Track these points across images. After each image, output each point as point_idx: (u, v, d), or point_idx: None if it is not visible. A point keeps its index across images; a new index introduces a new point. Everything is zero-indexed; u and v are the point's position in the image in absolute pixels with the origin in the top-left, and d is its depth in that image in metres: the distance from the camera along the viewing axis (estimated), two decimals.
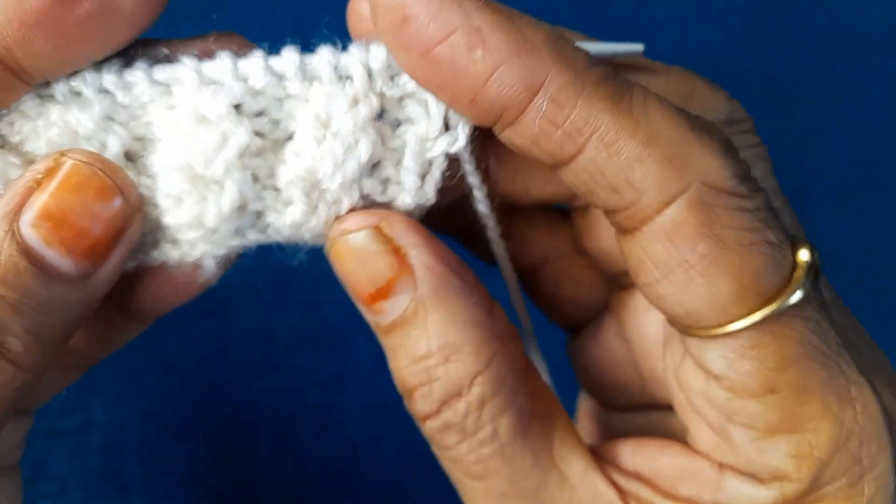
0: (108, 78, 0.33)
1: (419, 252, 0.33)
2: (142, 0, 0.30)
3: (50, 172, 0.31)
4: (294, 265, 0.63)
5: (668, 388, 0.38)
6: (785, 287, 0.31)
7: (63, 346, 0.32)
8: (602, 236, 0.40)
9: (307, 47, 0.62)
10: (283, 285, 0.61)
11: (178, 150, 0.33)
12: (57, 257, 0.30)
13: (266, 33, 0.61)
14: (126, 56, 0.33)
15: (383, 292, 0.33)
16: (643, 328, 0.40)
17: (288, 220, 0.34)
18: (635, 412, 0.43)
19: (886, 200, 0.74)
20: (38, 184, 0.30)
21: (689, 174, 0.30)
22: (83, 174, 0.31)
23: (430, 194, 0.35)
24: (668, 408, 0.40)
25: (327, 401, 0.63)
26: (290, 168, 0.34)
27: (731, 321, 0.31)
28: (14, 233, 0.30)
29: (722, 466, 0.34)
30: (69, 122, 0.33)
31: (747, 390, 0.32)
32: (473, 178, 0.36)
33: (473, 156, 0.35)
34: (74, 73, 0.33)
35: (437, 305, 0.33)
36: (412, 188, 0.35)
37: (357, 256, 0.34)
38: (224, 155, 0.32)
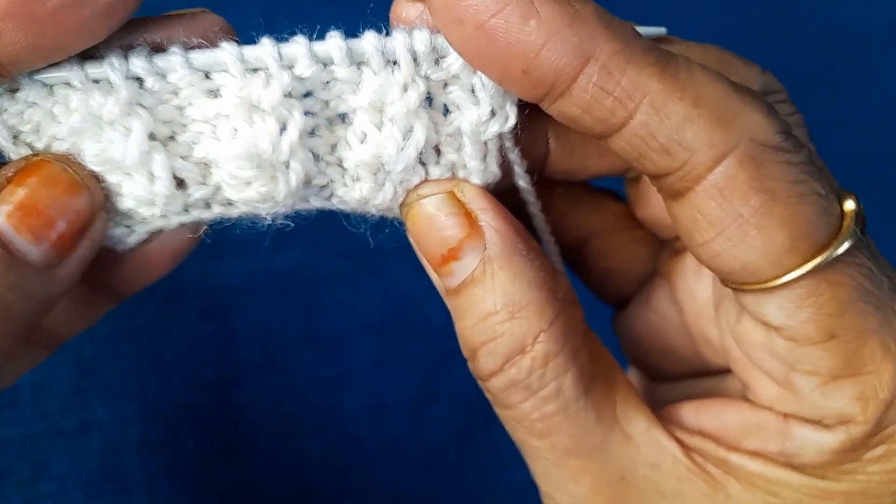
0: (139, 63, 0.33)
1: (489, 216, 0.35)
2: None
3: (21, 170, 0.33)
4: (294, 265, 0.63)
5: (722, 350, 0.40)
6: (836, 236, 0.32)
7: (22, 338, 0.33)
8: (655, 203, 0.42)
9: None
10: (283, 286, 0.61)
11: (236, 138, 0.33)
12: (25, 245, 0.32)
13: (267, 29, 0.61)
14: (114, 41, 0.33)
15: (454, 253, 0.35)
16: (694, 291, 0.42)
17: (356, 194, 0.36)
18: (685, 380, 0.44)
19: (886, 200, 0.74)
20: (8, 180, 0.32)
21: (737, 132, 0.31)
22: (54, 170, 0.33)
23: (496, 171, 0.37)
24: (719, 373, 0.42)
25: (327, 401, 0.64)
26: (356, 153, 0.35)
27: (787, 272, 0.32)
28: None
29: (786, 416, 0.35)
30: (92, 107, 0.33)
31: (808, 338, 0.33)
32: (513, 155, 0.37)
33: (512, 133, 0.37)
34: (95, 60, 0.33)
35: (503, 265, 0.35)
36: (478, 170, 0.36)
37: (431, 219, 0.36)
38: (287, 139, 0.34)
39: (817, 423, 0.34)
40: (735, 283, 0.33)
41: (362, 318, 0.64)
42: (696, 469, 0.35)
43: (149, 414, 0.57)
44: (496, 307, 0.35)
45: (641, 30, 0.37)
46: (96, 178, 0.34)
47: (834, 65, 0.73)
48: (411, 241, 0.37)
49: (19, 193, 0.32)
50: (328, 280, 0.62)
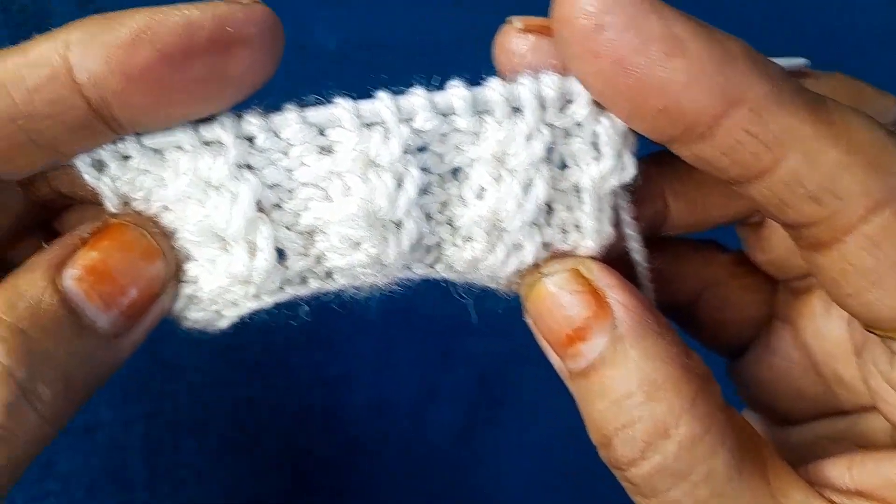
0: (252, 121, 0.31)
1: (616, 292, 0.33)
2: (253, 68, 0.30)
3: (97, 232, 0.32)
4: None
5: (864, 391, 0.38)
6: None
7: (81, 405, 0.32)
8: (776, 247, 0.40)
9: (309, 48, 0.62)
10: None
11: (350, 195, 0.32)
12: (95, 312, 0.31)
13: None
14: None
15: (581, 333, 0.33)
16: (824, 331, 0.40)
17: (467, 255, 0.35)
18: (815, 422, 0.42)
19: None
20: (83, 241, 0.31)
21: (893, 180, 0.29)
22: (132, 236, 0.32)
23: (610, 231, 0.35)
24: (855, 412, 0.40)
25: (329, 400, 0.64)
26: (473, 210, 0.34)
27: None
28: (56, 284, 0.30)
29: None
30: (200, 170, 0.32)
31: None
32: (622, 202, 0.35)
33: (627, 188, 0.35)
34: (207, 121, 0.31)
35: (635, 344, 0.33)
36: (593, 231, 0.35)
37: (554, 297, 0.34)
38: (404, 196, 0.32)
39: None
40: (886, 332, 0.32)
41: (364, 317, 0.64)
42: None
43: (152, 414, 0.58)
44: (631, 389, 0.32)
45: (781, 61, 0.34)
46: (171, 245, 0.33)
47: (829, 67, 0.73)
48: (529, 321, 0.35)
49: (94, 257, 0.31)
50: None
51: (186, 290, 0.34)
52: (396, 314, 0.65)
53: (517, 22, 0.33)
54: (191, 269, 0.34)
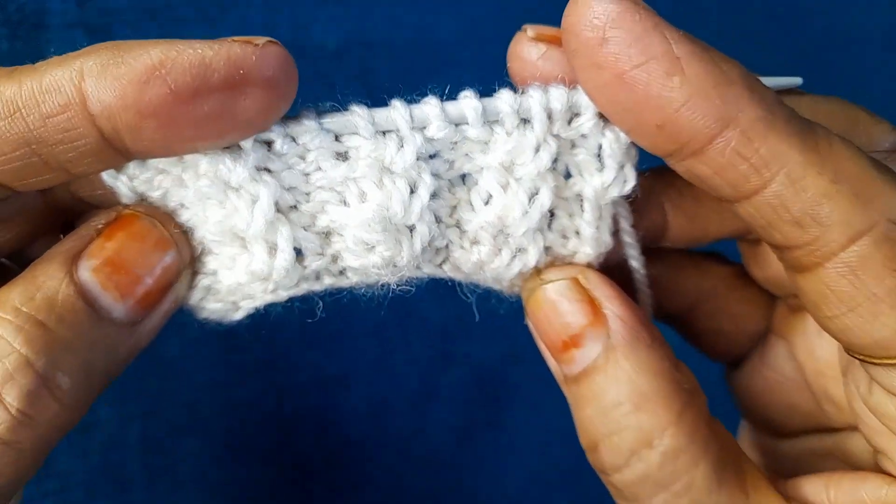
0: (273, 127, 0.32)
1: (613, 304, 0.35)
2: (264, 108, 0.30)
3: (111, 223, 0.33)
4: None
5: (849, 411, 0.39)
6: None
7: (101, 392, 0.33)
8: (772, 264, 0.41)
9: (308, 48, 0.62)
10: None
11: (367, 201, 0.33)
12: (111, 301, 0.32)
13: (266, 32, 0.61)
14: None
15: (576, 340, 0.35)
16: (815, 350, 0.41)
17: (474, 257, 0.36)
18: (805, 436, 0.43)
19: None
20: (98, 233, 0.33)
21: (875, 211, 0.30)
22: (144, 226, 0.33)
23: (608, 240, 0.37)
24: (843, 430, 0.41)
25: (327, 400, 0.64)
26: (480, 215, 0.35)
27: None
28: (72, 275, 0.32)
29: None
30: (220, 172, 0.32)
31: None
32: (623, 210, 0.37)
33: (627, 198, 0.36)
34: None
35: (627, 355, 0.34)
36: (592, 238, 0.36)
37: (553, 304, 0.36)
38: (418, 202, 0.34)
39: None
40: (864, 356, 0.33)
41: (362, 318, 0.64)
42: None
43: (150, 413, 0.58)
44: (620, 398, 0.34)
45: (777, 80, 0.36)
46: (184, 234, 0.34)
47: (832, 67, 0.73)
48: (530, 325, 0.37)
49: (108, 248, 0.32)
50: None
51: (204, 281, 0.36)
52: (395, 315, 0.65)
53: (530, 31, 0.34)
54: (210, 262, 0.35)
